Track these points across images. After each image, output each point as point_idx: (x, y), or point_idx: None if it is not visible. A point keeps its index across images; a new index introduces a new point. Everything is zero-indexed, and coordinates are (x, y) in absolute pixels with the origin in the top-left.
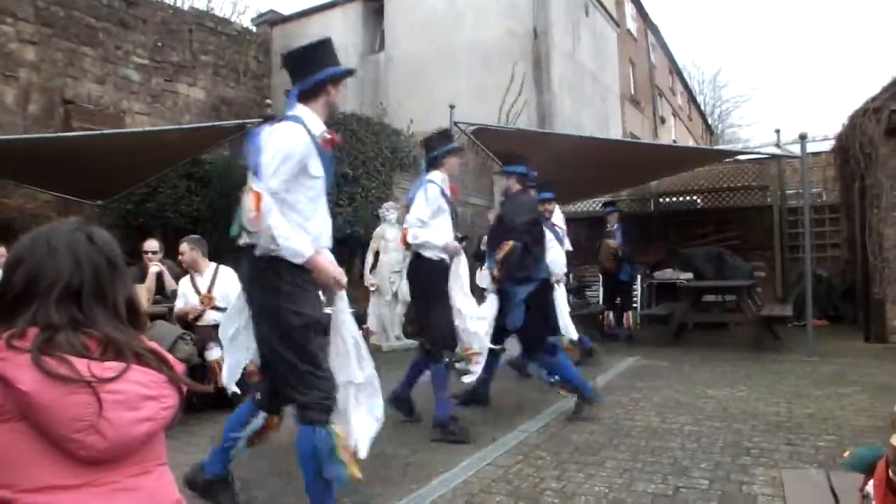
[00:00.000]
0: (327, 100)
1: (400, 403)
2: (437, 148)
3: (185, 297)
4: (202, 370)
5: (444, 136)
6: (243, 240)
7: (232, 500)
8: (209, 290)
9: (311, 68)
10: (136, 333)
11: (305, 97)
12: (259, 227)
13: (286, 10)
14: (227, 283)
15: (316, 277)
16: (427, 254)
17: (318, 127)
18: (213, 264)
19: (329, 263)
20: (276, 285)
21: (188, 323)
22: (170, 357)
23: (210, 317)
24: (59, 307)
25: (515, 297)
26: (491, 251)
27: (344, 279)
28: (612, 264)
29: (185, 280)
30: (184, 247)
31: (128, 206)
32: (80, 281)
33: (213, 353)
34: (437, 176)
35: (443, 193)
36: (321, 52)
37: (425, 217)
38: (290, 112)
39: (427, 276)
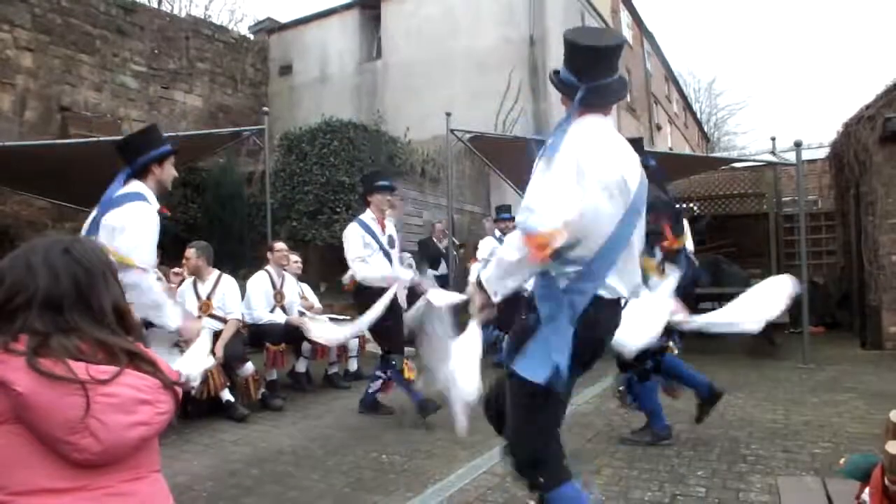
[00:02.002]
0: (155, 177)
1: (423, 406)
2: (367, 184)
3: (184, 303)
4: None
5: (375, 175)
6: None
7: None
8: (208, 297)
9: (137, 153)
10: (128, 338)
11: (138, 176)
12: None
13: (283, 18)
14: (226, 292)
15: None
16: (370, 284)
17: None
18: (217, 272)
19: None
20: None
21: None
22: (163, 362)
23: (206, 324)
24: (42, 317)
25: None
26: None
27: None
28: None
29: (187, 285)
30: (190, 252)
31: None
32: (59, 293)
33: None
34: (366, 216)
35: (369, 231)
36: (146, 137)
37: (362, 255)
38: (129, 190)
39: (371, 298)
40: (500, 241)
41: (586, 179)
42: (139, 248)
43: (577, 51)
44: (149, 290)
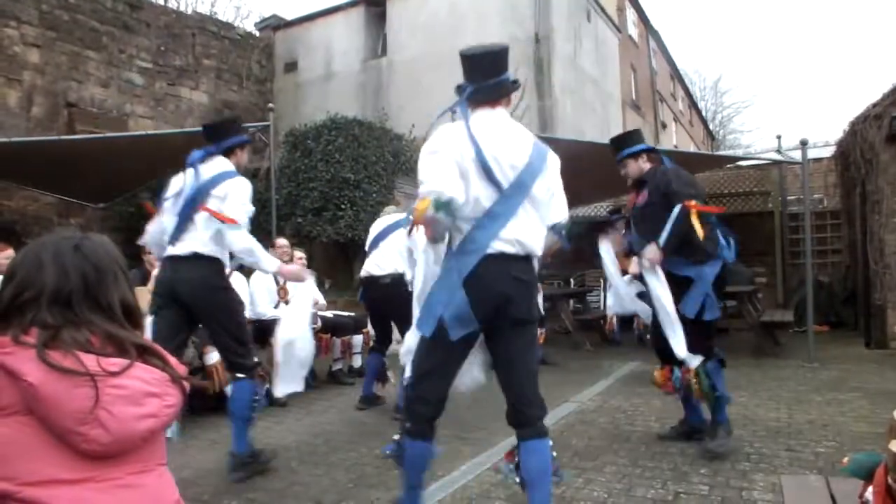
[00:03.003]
0: (236, 158)
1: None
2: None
3: None
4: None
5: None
6: None
7: None
8: None
9: (227, 136)
10: (136, 332)
11: (226, 154)
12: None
13: (289, 15)
14: (238, 290)
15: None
16: None
17: None
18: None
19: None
20: None
21: None
22: (169, 356)
23: None
24: (51, 312)
25: (700, 278)
26: (642, 237)
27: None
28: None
29: None
30: None
31: (130, 209)
32: (68, 288)
33: (212, 357)
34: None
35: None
36: (233, 125)
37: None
38: (224, 168)
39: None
40: None
41: (449, 160)
42: (240, 210)
43: (463, 60)
44: (246, 241)
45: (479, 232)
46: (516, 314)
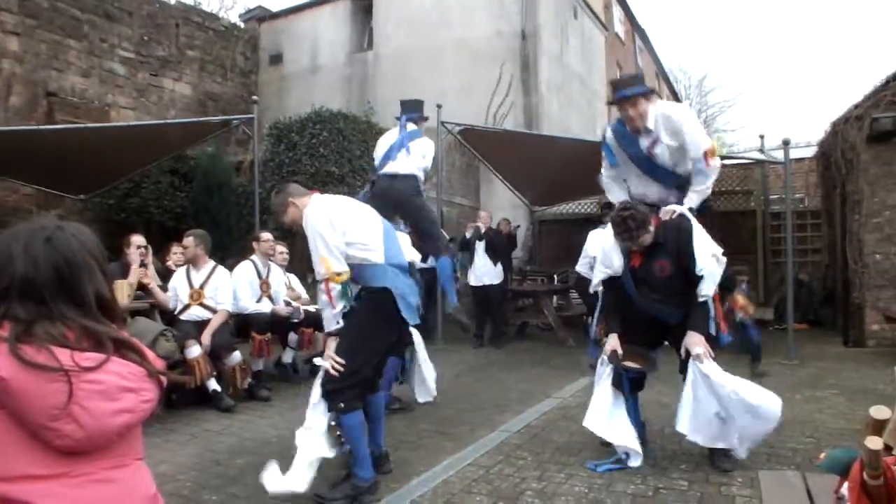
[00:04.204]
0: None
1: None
2: None
3: (176, 289)
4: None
5: None
6: None
7: None
8: (201, 286)
9: (418, 110)
10: (113, 325)
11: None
12: None
13: (274, 7)
14: (220, 284)
15: None
16: None
17: None
18: (212, 263)
19: None
20: None
21: (171, 318)
22: (147, 351)
23: (195, 313)
24: (24, 305)
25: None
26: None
27: None
28: None
29: (180, 273)
30: (189, 241)
31: (110, 201)
32: (39, 281)
33: (193, 351)
34: None
35: None
36: (419, 103)
37: None
38: (416, 128)
39: None
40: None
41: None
42: (429, 161)
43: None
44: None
45: None
46: None
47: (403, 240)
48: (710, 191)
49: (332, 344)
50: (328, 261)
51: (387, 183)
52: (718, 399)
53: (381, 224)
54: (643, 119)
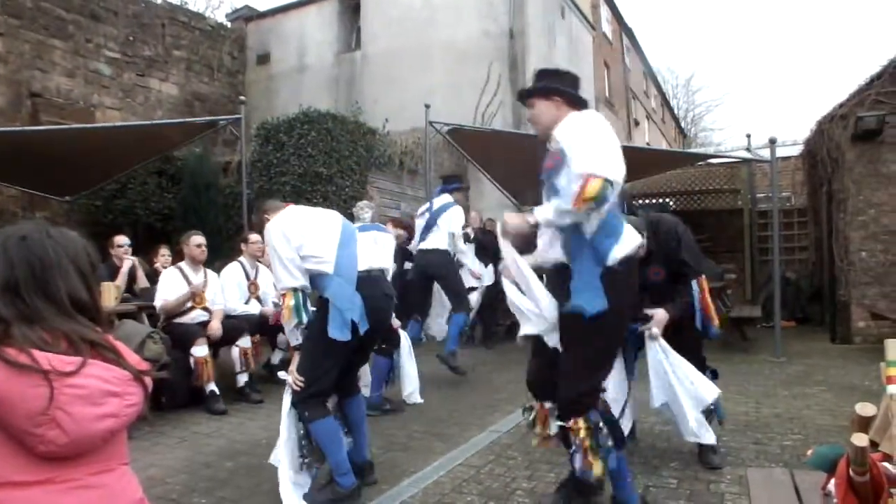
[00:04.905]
0: None
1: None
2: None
3: (224, 289)
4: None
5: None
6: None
7: None
8: (202, 290)
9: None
10: (90, 325)
11: None
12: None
13: (261, 6)
14: (214, 287)
15: None
16: None
17: None
18: (202, 267)
19: None
20: None
21: (168, 319)
22: (128, 351)
23: (198, 315)
24: (2, 300)
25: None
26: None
27: None
28: None
29: (174, 273)
30: (201, 239)
31: (97, 202)
32: (14, 281)
33: (200, 350)
34: None
35: None
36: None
37: None
38: None
39: None
40: None
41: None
42: (456, 227)
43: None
44: None
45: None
46: None
47: (385, 242)
48: (565, 220)
49: (296, 358)
50: (282, 275)
51: (423, 259)
52: (667, 361)
53: (339, 233)
54: (539, 125)
